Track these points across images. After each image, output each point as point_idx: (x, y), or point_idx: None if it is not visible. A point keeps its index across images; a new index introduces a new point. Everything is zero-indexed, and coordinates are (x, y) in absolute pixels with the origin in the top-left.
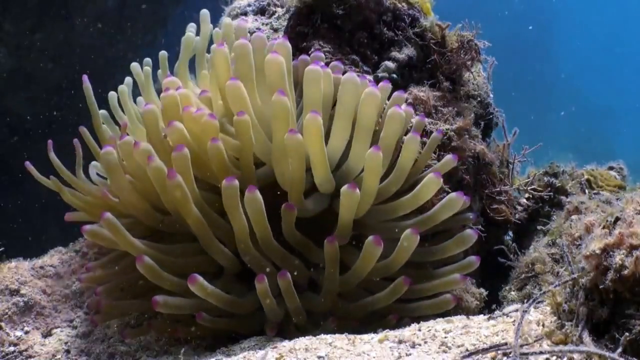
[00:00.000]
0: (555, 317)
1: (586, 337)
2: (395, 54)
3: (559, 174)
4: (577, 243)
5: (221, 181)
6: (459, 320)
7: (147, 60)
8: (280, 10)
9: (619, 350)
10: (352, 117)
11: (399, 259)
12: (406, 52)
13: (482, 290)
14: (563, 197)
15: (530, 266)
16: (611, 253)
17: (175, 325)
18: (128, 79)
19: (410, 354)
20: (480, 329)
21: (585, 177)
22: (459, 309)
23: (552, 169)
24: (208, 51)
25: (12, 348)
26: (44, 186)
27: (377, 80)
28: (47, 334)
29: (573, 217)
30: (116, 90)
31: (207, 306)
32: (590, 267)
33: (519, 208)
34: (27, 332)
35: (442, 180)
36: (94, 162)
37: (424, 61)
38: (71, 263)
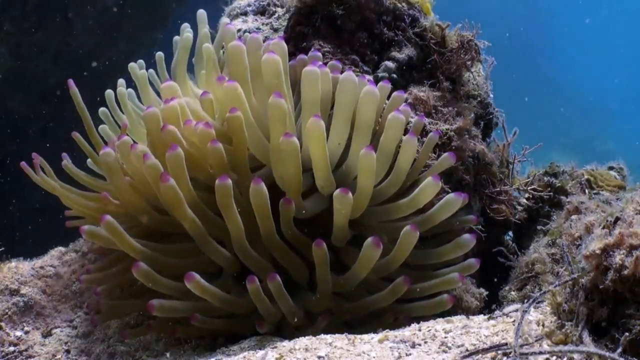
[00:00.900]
0: (555, 317)
1: (586, 337)
2: (395, 54)
3: (559, 174)
4: (577, 243)
5: None
6: (459, 320)
7: (141, 62)
8: (280, 10)
9: (619, 350)
10: (350, 116)
11: (399, 256)
12: (406, 52)
13: (482, 290)
14: (563, 197)
15: (530, 266)
16: (611, 253)
17: (174, 325)
18: (121, 81)
19: (410, 354)
20: (480, 329)
21: (585, 177)
22: (459, 309)
23: (552, 169)
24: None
25: (12, 348)
26: None
27: (377, 80)
28: (47, 334)
29: (573, 217)
30: (116, 91)
31: (203, 308)
32: (590, 267)
33: (519, 208)
34: (27, 332)
35: (440, 183)
36: (89, 161)
37: (424, 61)
38: (71, 263)
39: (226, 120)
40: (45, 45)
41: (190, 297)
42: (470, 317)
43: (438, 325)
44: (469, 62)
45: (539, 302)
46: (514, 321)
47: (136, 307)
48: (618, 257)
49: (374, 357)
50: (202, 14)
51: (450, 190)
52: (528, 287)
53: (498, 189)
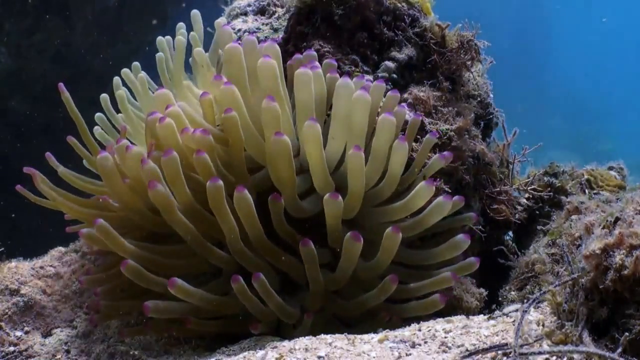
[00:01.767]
0: (555, 317)
1: (586, 337)
2: (395, 54)
3: (559, 174)
4: (577, 243)
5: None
6: (459, 320)
7: (136, 65)
8: (280, 10)
9: (619, 350)
10: (347, 121)
11: (384, 258)
12: (406, 52)
13: (482, 290)
14: (563, 197)
15: (530, 266)
16: (611, 253)
17: (173, 325)
18: (116, 81)
19: (410, 354)
20: (480, 329)
21: (585, 177)
22: (459, 309)
23: (552, 169)
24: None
25: (12, 348)
26: None
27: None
28: (47, 334)
29: (573, 217)
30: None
31: (199, 308)
32: (590, 267)
33: (519, 208)
34: (27, 332)
35: (434, 187)
36: (85, 162)
37: (424, 61)
38: (71, 263)
39: (222, 120)
40: (45, 45)
41: None
42: (470, 317)
43: (438, 325)
44: (469, 62)
45: (539, 302)
46: (514, 321)
47: (136, 307)
48: (618, 257)
49: (374, 357)
50: (195, 14)
51: (450, 191)
52: (528, 287)
53: (498, 189)
